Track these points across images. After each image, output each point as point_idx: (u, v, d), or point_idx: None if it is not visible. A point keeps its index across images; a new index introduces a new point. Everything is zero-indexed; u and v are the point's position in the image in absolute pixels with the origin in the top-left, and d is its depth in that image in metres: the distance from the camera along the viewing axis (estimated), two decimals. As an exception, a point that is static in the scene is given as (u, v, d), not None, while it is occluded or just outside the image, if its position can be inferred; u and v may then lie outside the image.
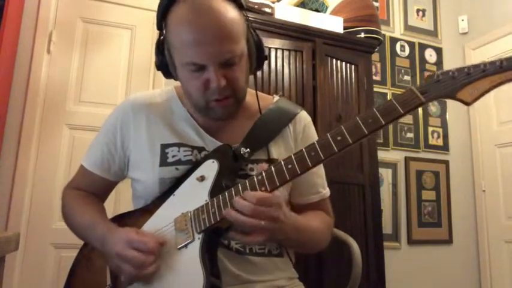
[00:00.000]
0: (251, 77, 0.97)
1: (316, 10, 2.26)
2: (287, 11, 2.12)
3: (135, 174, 0.95)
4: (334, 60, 2.17)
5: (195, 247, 0.79)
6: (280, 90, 1.98)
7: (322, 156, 0.74)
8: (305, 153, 0.75)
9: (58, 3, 2.22)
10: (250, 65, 0.91)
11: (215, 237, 0.82)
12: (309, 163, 0.75)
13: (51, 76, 2.15)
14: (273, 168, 0.77)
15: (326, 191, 1.02)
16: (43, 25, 2.15)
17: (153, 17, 2.61)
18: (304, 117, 1.02)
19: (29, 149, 2.03)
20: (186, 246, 0.80)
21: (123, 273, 0.79)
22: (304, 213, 0.96)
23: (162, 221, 0.85)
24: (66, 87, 2.17)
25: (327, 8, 2.36)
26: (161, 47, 0.89)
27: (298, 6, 2.24)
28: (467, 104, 0.69)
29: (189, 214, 0.83)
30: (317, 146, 0.75)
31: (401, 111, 0.70)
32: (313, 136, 1.01)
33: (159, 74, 0.95)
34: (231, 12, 0.83)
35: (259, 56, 0.91)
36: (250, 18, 0.91)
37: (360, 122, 0.72)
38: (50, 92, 2.13)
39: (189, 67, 0.83)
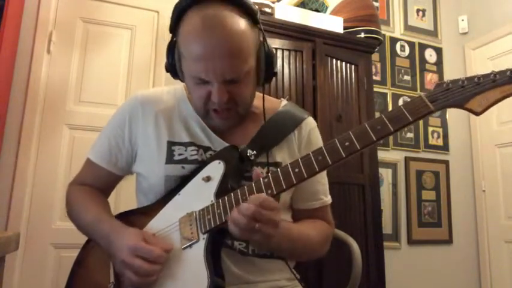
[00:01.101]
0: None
1: (316, 10, 2.26)
2: (287, 11, 2.12)
3: (141, 169, 0.95)
4: (334, 60, 2.17)
5: (200, 247, 0.79)
6: (280, 90, 1.98)
7: (329, 161, 0.74)
8: (312, 158, 0.75)
9: (58, 3, 2.22)
10: (258, 78, 0.90)
11: (220, 238, 0.82)
12: (316, 167, 0.75)
13: (51, 76, 2.15)
14: (279, 172, 0.77)
15: (327, 199, 1.01)
16: (43, 25, 2.15)
17: (153, 17, 2.61)
18: (309, 122, 1.01)
19: (29, 149, 2.03)
20: (190, 246, 0.80)
21: (126, 280, 0.79)
22: (302, 221, 0.96)
23: (166, 221, 0.86)
24: (66, 87, 2.17)
25: (327, 8, 2.36)
26: (172, 50, 0.89)
27: (298, 6, 2.24)
28: (476, 114, 0.69)
29: (194, 214, 0.83)
30: (324, 151, 0.75)
31: (410, 118, 0.70)
32: (317, 141, 1.01)
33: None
34: (243, 29, 0.82)
35: (268, 70, 0.91)
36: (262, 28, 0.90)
37: (368, 128, 0.72)
38: (50, 92, 2.13)
39: (194, 79, 0.84)
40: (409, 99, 3.11)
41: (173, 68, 0.91)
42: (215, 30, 0.79)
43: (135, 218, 0.91)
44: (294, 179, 0.76)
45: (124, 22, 2.34)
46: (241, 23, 0.82)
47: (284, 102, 1.04)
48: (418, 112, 0.70)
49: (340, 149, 0.73)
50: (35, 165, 2.05)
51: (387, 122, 0.71)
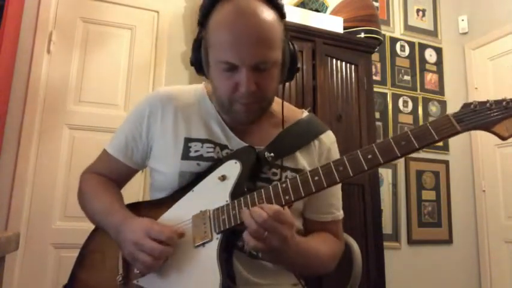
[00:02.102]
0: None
1: (316, 10, 2.26)
2: (287, 11, 2.11)
3: (156, 165, 0.96)
4: (334, 60, 2.17)
5: (213, 247, 0.79)
6: (280, 90, 1.98)
7: (350, 172, 0.73)
8: (333, 167, 0.75)
9: (58, 3, 2.22)
10: (281, 75, 0.90)
11: (232, 239, 0.82)
12: (337, 178, 0.74)
13: (51, 76, 2.15)
14: (298, 178, 0.77)
15: (339, 213, 1.01)
16: (43, 25, 2.15)
17: (153, 17, 2.61)
18: (331, 136, 1.02)
19: (29, 149, 2.03)
20: (203, 244, 0.80)
21: (138, 262, 0.79)
22: (313, 235, 0.95)
23: (179, 216, 0.85)
24: (66, 87, 2.17)
25: (327, 8, 2.36)
26: (198, 44, 0.89)
27: (298, 6, 2.24)
28: (503, 138, 0.68)
29: (208, 213, 0.82)
30: (346, 162, 0.74)
31: (436, 137, 0.70)
32: (337, 156, 1.00)
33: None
34: (272, 20, 0.83)
35: (292, 67, 0.91)
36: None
37: (392, 143, 0.72)
38: (50, 92, 2.13)
39: (222, 66, 0.83)
40: (409, 99, 3.12)
41: (198, 62, 0.90)
42: (247, 17, 0.80)
43: (146, 210, 0.92)
44: (313, 187, 0.75)
45: (124, 22, 2.34)
46: (271, 15, 0.84)
47: (306, 112, 1.04)
48: (444, 132, 0.70)
49: (363, 161, 0.73)
50: (35, 165, 2.05)
51: (412, 139, 0.71)
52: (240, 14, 0.80)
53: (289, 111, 0.98)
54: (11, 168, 1.98)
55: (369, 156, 0.73)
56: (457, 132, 0.70)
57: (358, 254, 1.24)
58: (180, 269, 0.80)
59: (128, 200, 0.99)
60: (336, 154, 1.01)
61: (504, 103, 0.68)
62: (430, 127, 0.71)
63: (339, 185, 1.00)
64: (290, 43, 0.91)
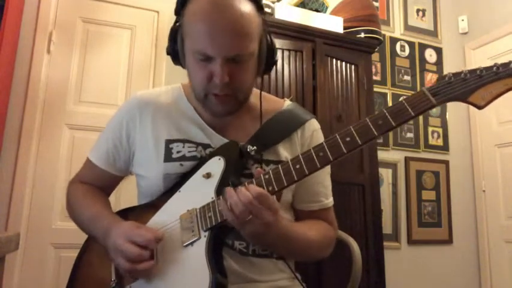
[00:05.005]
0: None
1: (316, 10, 2.26)
2: (287, 11, 2.12)
3: (139, 170, 0.96)
4: (334, 60, 2.17)
5: (201, 245, 0.79)
6: (280, 90, 1.98)
7: (330, 157, 0.73)
8: (313, 154, 0.75)
9: (58, 3, 2.22)
10: (258, 68, 0.90)
11: (221, 236, 0.82)
12: (317, 163, 0.74)
13: (51, 76, 2.15)
14: (280, 168, 0.77)
15: (328, 201, 0.99)
16: (43, 25, 2.15)
17: (153, 17, 2.61)
18: (313, 124, 1.00)
19: (29, 149, 2.03)
20: (191, 243, 0.80)
21: (118, 267, 0.80)
22: (303, 221, 0.95)
23: (167, 217, 0.85)
24: (66, 87, 2.17)
25: (327, 8, 2.36)
26: (175, 33, 0.90)
27: (298, 6, 2.24)
28: (479, 107, 0.67)
29: (195, 211, 0.82)
30: (325, 147, 0.74)
31: (412, 113, 0.69)
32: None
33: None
34: (249, 12, 0.83)
35: (269, 60, 0.91)
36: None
37: (369, 123, 0.71)
38: (50, 92, 2.13)
39: (197, 55, 0.83)
40: (409, 99, 3.12)
41: (175, 51, 0.90)
42: (224, 8, 0.80)
43: (134, 215, 0.92)
44: (295, 176, 0.75)
45: (124, 22, 2.34)
46: (248, 7, 0.84)
47: (288, 102, 1.03)
48: (420, 106, 0.69)
49: (341, 144, 0.72)
50: (35, 165, 2.05)
51: (389, 117, 0.70)
52: (216, 5, 0.80)
53: (269, 103, 0.98)
54: (11, 168, 1.98)
55: (347, 139, 0.72)
56: (433, 106, 0.69)
57: (358, 254, 1.24)
58: (171, 270, 0.80)
59: (125, 203, 0.98)
60: (318, 141, 0.99)
61: (478, 71, 0.68)
62: (405, 103, 0.70)
63: (326, 173, 0.99)
64: (268, 36, 0.90)
